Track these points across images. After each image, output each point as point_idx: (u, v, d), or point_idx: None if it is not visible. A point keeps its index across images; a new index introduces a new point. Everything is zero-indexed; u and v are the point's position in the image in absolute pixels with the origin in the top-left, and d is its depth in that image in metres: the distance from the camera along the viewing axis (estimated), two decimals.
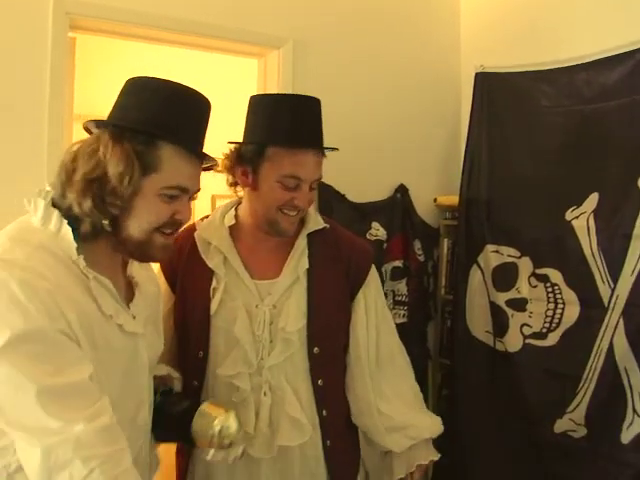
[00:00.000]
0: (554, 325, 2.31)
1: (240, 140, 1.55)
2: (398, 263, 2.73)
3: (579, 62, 2.31)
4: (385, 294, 2.57)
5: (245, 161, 1.51)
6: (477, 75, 2.68)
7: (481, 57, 2.72)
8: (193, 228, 1.62)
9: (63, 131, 2.11)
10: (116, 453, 1.00)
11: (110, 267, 1.19)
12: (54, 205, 1.11)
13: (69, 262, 1.09)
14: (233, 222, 1.60)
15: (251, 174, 1.51)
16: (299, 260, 1.57)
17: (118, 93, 1.20)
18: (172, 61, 3.06)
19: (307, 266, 1.56)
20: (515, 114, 2.55)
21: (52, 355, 1.00)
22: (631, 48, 2.13)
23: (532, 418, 2.34)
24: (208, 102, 1.23)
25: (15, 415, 0.98)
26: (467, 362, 2.62)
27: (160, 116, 1.14)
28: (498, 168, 2.59)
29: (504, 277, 2.49)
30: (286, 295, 1.54)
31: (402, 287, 2.73)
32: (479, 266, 2.60)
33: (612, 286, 2.13)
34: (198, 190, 1.23)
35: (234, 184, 1.59)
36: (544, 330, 2.34)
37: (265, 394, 1.50)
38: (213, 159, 1.25)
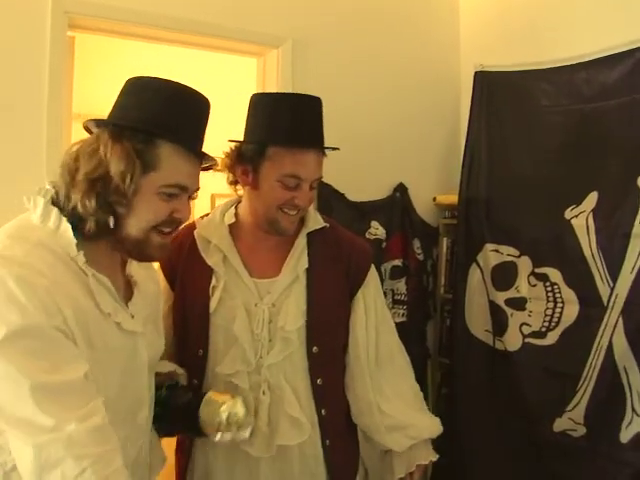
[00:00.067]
0: (553, 324, 2.31)
1: (240, 139, 1.55)
2: (397, 262, 2.73)
3: (579, 61, 2.30)
4: (384, 293, 2.56)
5: (245, 160, 1.51)
6: (476, 74, 2.68)
7: (481, 56, 2.72)
8: (193, 226, 1.62)
9: (62, 130, 2.11)
10: (107, 453, 1.00)
11: (109, 266, 1.20)
12: (54, 204, 1.12)
13: (68, 259, 1.09)
14: (233, 220, 1.60)
15: (251, 173, 1.51)
16: (299, 259, 1.57)
17: (118, 93, 1.20)
18: (171, 60, 3.06)
19: (307, 265, 1.56)
20: (515, 113, 2.55)
21: (48, 352, 1.00)
22: (631, 47, 2.13)
23: (531, 417, 2.34)
24: (208, 102, 1.23)
25: (10, 411, 0.98)
26: (466, 361, 2.62)
27: (160, 115, 1.14)
28: (497, 167, 2.59)
29: (503, 276, 2.49)
30: (285, 294, 1.54)
31: (401, 286, 2.73)
32: (478, 265, 2.60)
33: (611, 285, 2.13)
34: (197, 189, 1.23)
35: (234, 183, 1.59)
36: (543, 329, 2.34)
37: (264, 393, 1.50)
38: (212, 158, 1.25)
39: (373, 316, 1.64)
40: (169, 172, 1.14)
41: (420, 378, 1.91)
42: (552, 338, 2.31)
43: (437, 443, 1.70)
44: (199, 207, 2.82)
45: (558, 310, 2.30)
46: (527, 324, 2.39)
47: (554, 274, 2.33)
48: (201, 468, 1.56)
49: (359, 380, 1.62)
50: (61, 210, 1.11)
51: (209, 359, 1.54)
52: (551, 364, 2.29)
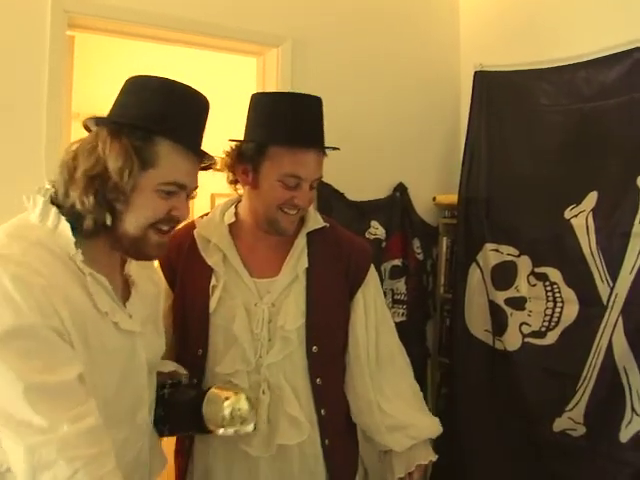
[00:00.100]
0: (553, 324, 2.31)
1: (240, 138, 1.55)
2: (397, 262, 2.73)
3: (578, 60, 2.31)
4: (384, 293, 2.55)
5: (246, 159, 1.51)
6: (476, 74, 2.68)
7: (480, 55, 2.72)
8: (192, 226, 1.62)
9: (61, 129, 2.11)
10: (100, 455, 1.00)
11: (108, 266, 1.19)
12: (53, 203, 1.12)
13: (66, 259, 1.09)
14: (233, 220, 1.60)
15: (251, 172, 1.51)
16: (298, 259, 1.57)
17: (118, 92, 1.20)
18: (171, 59, 3.06)
19: (306, 265, 1.56)
20: (514, 112, 2.55)
21: (42, 352, 1.00)
22: (629, 47, 2.13)
23: (531, 417, 2.34)
24: (207, 101, 1.23)
25: (3, 411, 0.98)
26: (466, 361, 2.62)
27: (159, 113, 1.14)
28: (497, 167, 2.59)
29: (503, 276, 2.49)
30: (285, 293, 1.54)
31: (401, 286, 2.73)
32: (478, 265, 2.60)
33: (611, 285, 2.13)
34: (196, 188, 1.23)
35: (234, 182, 1.59)
36: (543, 329, 2.34)
37: (263, 392, 1.50)
38: (211, 157, 1.25)
39: (373, 316, 1.64)
40: (167, 170, 1.14)
41: (420, 378, 1.91)
42: (552, 338, 2.31)
43: (437, 443, 1.70)
44: (199, 206, 2.82)
45: (558, 310, 2.30)
46: (527, 324, 2.39)
47: (554, 274, 2.33)
48: (200, 468, 1.56)
49: (359, 380, 1.62)
50: (60, 208, 1.11)
51: (208, 359, 1.53)
52: (551, 364, 2.29)
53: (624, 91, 2.16)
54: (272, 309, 1.52)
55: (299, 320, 1.52)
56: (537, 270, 2.39)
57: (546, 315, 2.33)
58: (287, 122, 1.48)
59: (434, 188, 2.89)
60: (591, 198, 2.22)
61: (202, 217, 1.66)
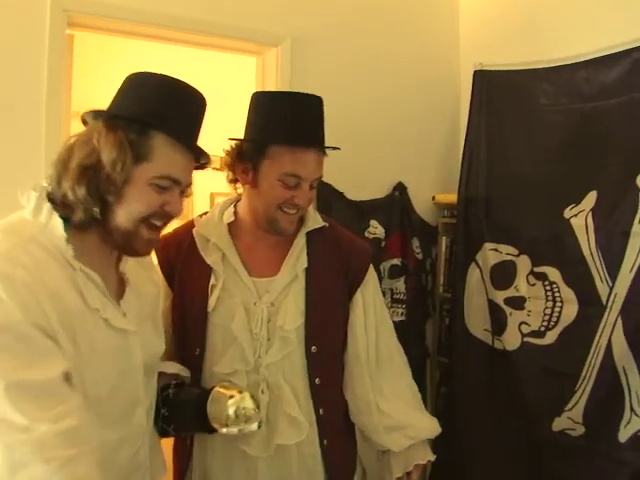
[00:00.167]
0: (552, 323, 2.31)
1: (240, 137, 1.55)
2: (396, 261, 2.73)
3: (578, 60, 2.30)
4: (383, 292, 2.57)
5: (246, 158, 1.51)
6: (476, 73, 2.68)
7: (480, 55, 2.72)
8: (192, 225, 1.62)
9: (61, 128, 2.10)
10: (79, 456, 0.98)
11: (102, 263, 1.19)
12: (50, 199, 1.12)
13: (58, 255, 1.09)
14: (232, 219, 1.60)
15: (251, 171, 1.51)
16: (298, 258, 1.57)
17: (117, 89, 1.20)
18: (170, 58, 3.06)
19: (306, 264, 1.56)
20: (514, 112, 2.55)
21: (24, 350, 0.99)
22: (629, 47, 2.13)
23: (530, 416, 2.34)
24: (204, 99, 1.23)
25: None
26: (465, 360, 2.62)
27: (155, 107, 1.15)
28: (497, 166, 2.59)
29: (502, 275, 2.49)
30: (284, 293, 1.54)
31: (400, 285, 2.73)
32: (477, 264, 2.60)
33: (610, 284, 2.13)
34: (190, 184, 1.23)
35: (234, 181, 1.59)
36: (542, 328, 2.34)
37: (262, 392, 1.49)
38: (207, 154, 1.25)
39: (372, 316, 1.64)
40: (162, 164, 1.15)
41: (419, 377, 1.92)
42: (551, 337, 2.31)
43: (436, 442, 1.70)
44: (198, 206, 2.82)
45: (557, 309, 2.30)
46: (526, 323, 2.39)
47: (553, 273, 2.33)
48: (200, 468, 1.56)
49: (358, 380, 1.62)
50: (54, 203, 1.11)
51: (206, 358, 1.53)
52: (550, 363, 2.29)
53: (624, 91, 2.16)
54: (271, 309, 1.52)
55: (298, 320, 1.52)
56: (536, 270, 2.38)
57: (545, 315, 2.33)
58: (287, 121, 1.48)
59: (433, 187, 2.89)
60: (591, 198, 2.22)
61: (201, 216, 1.65)
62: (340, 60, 2.63)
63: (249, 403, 1.34)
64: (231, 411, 1.32)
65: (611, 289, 2.12)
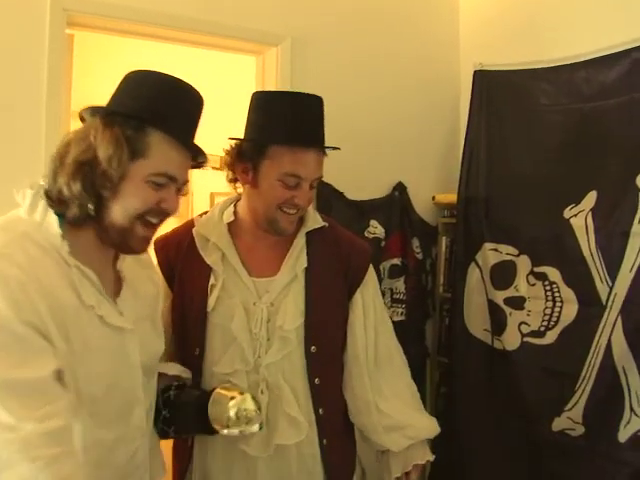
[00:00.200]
0: (552, 323, 2.31)
1: (240, 137, 1.55)
2: (396, 261, 2.73)
3: (578, 60, 2.30)
4: (383, 292, 2.57)
5: (246, 158, 1.51)
6: (476, 73, 2.68)
7: (480, 55, 2.72)
8: (192, 224, 1.61)
9: (60, 128, 2.10)
10: (64, 455, 0.98)
11: (98, 260, 1.19)
12: (48, 197, 1.12)
13: (53, 252, 1.09)
14: (232, 219, 1.60)
15: (251, 171, 1.51)
16: (297, 258, 1.57)
17: (116, 87, 1.21)
18: (170, 58, 3.05)
19: (305, 264, 1.56)
20: (514, 112, 2.55)
21: (15, 347, 0.99)
22: (629, 46, 2.13)
23: (530, 416, 2.34)
24: (201, 98, 1.24)
25: None
26: (465, 360, 2.62)
27: (153, 105, 1.15)
28: (497, 166, 2.59)
29: (502, 275, 2.49)
30: (284, 293, 1.54)
31: (400, 285, 2.73)
32: (477, 264, 2.60)
33: (610, 284, 2.13)
34: (186, 182, 1.23)
35: (234, 180, 1.59)
36: (542, 328, 2.33)
37: (262, 392, 1.49)
38: (203, 152, 1.25)
39: (372, 316, 1.64)
40: (158, 161, 1.15)
41: (419, 377, 1.92)
42: (551, 337, 2.30)
43: (436, 442, 1.70)
44: (198, 206, 2.82)
45: (557, 309, 2.30)
46: (526, 323, 2.39)
47: (553, 273, 2.33)
48: (199, 468, 1.56)
49: (358, 380, 1.62)
50: (50, 200, 1.11)
51: (206, 358, 1.53)
52: (550, 363, 2.29)
53: (624, 91, 2.16)
54: (271, 308, 1.52)
55: (298, 320, 1.52)
56: (536, 270, 2.38)
57: (545, 315, 2.33)
58: (287, 121, 1.48)
59: (433, 187, 2.89)
60: (590, 198, 2.22)
61: (201, 215, 1.65)
62: (340, 60, 2.63)
63: (250, 405, 1.33)
64: (232, 412, 1.32)
65: (611, 289, 2.12)
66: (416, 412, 1.67)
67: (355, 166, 2.57)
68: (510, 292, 2.46)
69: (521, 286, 2.43)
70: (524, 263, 2.43)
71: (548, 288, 2.33)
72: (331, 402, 1.59)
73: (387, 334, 1.69)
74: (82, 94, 2.81)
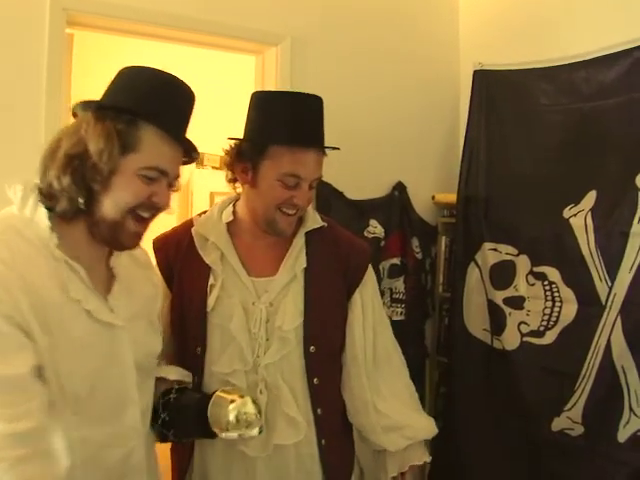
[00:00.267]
0: (552, 323, 2.31)
1: (240, 136, 1.54)
2: (396, 261, 2.73)
3: (578, 60, 2.30)
4: (382, 292, 2.57)
5: (245, 158, 1.51)
6: (475, 73, 2.68)
7: (480, 55, 2.72)
8: (191, 224, 1.61)
9: (60, 127, 2.10)
10: (32, 456, 0.97)
11: (90, 257, 1.18)
12: (41, 194, 1.12)
13: (42, 248, 1.09)
14: (231, 218, 1.60)
15: (251, 171, 1.50)
16: (297, 258, 1.56)
17: (109, 82, 1.22)
18: (170, 58, 3.04)
19: (305, 264, 1.55)
20: (514, 112, 2.55)
21: None
22: (629, 46, 2.13)
23: (529, 416, 2.34)
24: (193, 93, 1.24)
25: None
26: (464, 360, 2.62)
27: (144, 99, 1.15)
28: (496, 166, 2.59)
29: (502, 275, 2.49)
30: (283, 293, 1.54)
31: (399, 285, 2.73)
32: (477, 264, 2.60)
33: (610, 284, 2.13)
34: (178, 176, 1.23)
35: (233, 180, 1.59)
36: (542, 328, 2.34)
37: (261, 392, 1.49)
38: (195, 147, 1.25)
39: (371, 316, 1.64)
40: (149, 154, 1.15)
41: (418, 377, 1.92)
42: (550, 337, 2.31)
43: (435, 442, 1.70)
44: (198, 205, 2.81)
45: (556, 309, 2.30)
46: (525, 323, 2.39)
47: (552, 273, 2.33)
48: (198, 468, 1.56)
49: (356, 380, 1.61)
50: (41, 194, 1.11)
51: (206, 357, 1.53)
52: (549, 363, 2.29)
53: (623, 91, 2.16)
54: (270, 308, 1.52)
55: (297, 320, 1.51)
56: (536, 269, 2.38)
57: (545, 314, 2.33)
58: (287, 121, 1.47)
59: (433, 187, 2.89)
60: (590, 197, 2.22)
61: (200, 215, 1.65)
62: (340, 59, 2.63)
63: (251, 408, 1.32)
64: (232, 416, 1.30)
65: (610, 289, 2.12)
66: (414, 412, 1.67)
67: (355, 166, 2.57)
68: (510, 292, 2.46)
69: (520, 286, 2.43)
70: (523, 263, 2.43)
71: (547, 288, 2.33)
72: (330, 402, 1.59)
73: (386, 334, 1.68)
74: (82, 94, 2.81)
